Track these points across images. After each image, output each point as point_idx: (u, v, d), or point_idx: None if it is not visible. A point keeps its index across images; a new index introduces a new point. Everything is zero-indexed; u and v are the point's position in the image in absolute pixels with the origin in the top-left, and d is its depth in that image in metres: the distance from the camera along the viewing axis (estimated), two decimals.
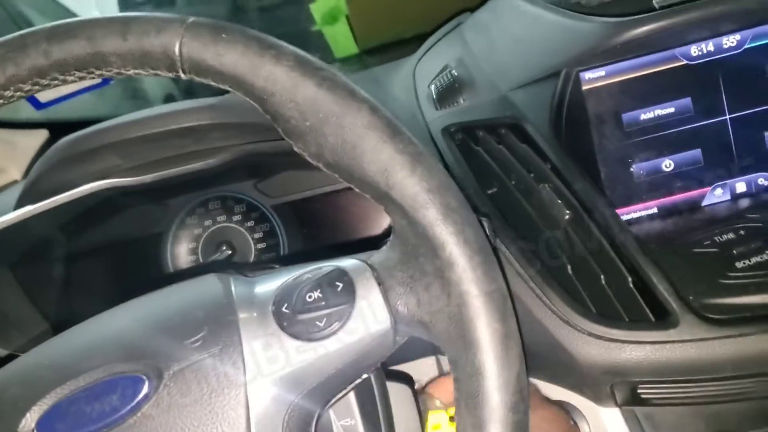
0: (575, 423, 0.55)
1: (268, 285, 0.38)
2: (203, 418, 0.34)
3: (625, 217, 0.57)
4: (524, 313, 0.51)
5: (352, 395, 0.43)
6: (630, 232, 0.52)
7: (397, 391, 0.48)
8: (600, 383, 0.52)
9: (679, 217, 0.57)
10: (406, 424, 0.48)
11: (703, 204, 0.58)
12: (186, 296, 0.39)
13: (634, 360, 0.49)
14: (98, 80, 0.39)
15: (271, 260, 0.72)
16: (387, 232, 0.38)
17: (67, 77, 0.36)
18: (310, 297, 0.36)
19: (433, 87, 0.64)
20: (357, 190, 0.36)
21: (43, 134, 0.84)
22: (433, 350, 0.65)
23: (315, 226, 0.73)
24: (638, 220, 0.57)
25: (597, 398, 0.53)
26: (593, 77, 0.56)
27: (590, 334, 0.49)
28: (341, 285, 0.36)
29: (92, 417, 0.35)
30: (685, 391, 0.50)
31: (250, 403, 0.35)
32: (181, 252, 0.73)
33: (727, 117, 0.56)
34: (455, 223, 0.33)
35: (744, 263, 0.50)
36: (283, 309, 0.36)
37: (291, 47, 0.35)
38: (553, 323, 0.50)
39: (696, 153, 0.57)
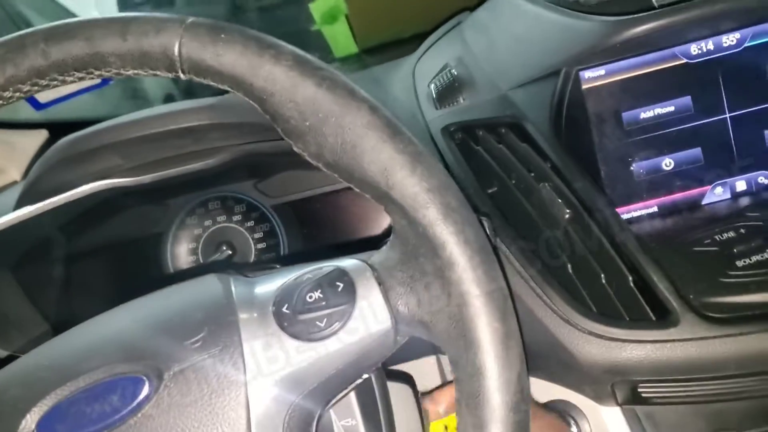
0: (577, 425, 0.55)
1: (269, 285, 0.38)
2: (204, 418, 0.34)
3: (625, 216, 0.57)
4: (525, 312, 0.51)
5: (352, 395, 0.43)
6: (630, 231, 0.52)
7: (398, 391, 0.48)
8: (601, 382, 0.52)
9: (680, 215, 0.57)
10: (407, 424, 0.48)
11: (704, 203, 0.57)
12: (186, 297, 0.39)
13: (635, 359, 0.49)
14: (97, 81, 0.39)
15: (272, 260, 0.72)
16: (387, 232, 0.37)
17: (66, 78, 0.36)
18: (310, 297, 0.36)
19: (432, 86, 0.64)
20: (357, 190, 0.36)
21: (42, 135, 0.84)
22: (434, 350, 0.65)
23: (315, 226, 0.73)
24: (638, 218, 0.57)
25: (598, 397, 0.53)
26: (593, 76, 0.56)
27: (591, 333, 0.49)
28: (342, 285, 0.36)
29: (92, 418, 0.35)
30: (685, 389, 0.50)
31: (250, 403, 0.35)
32: (181, 252, 0.73)
33: (727, 115, 0.56)
34: (455, 222, 0.33)
35: (744, 262, 0.50)
36: (284, 309, 0.36)
37: (290, 47, 0.35)
38: (553, 322, 0.50)
39: (696, 152, 0.57)
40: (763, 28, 0.55)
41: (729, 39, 0.56)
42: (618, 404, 0.53)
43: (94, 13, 1.04)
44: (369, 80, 0.73)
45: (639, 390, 0.51)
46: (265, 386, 0.35)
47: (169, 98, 1.02)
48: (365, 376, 0.41)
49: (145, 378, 0.35)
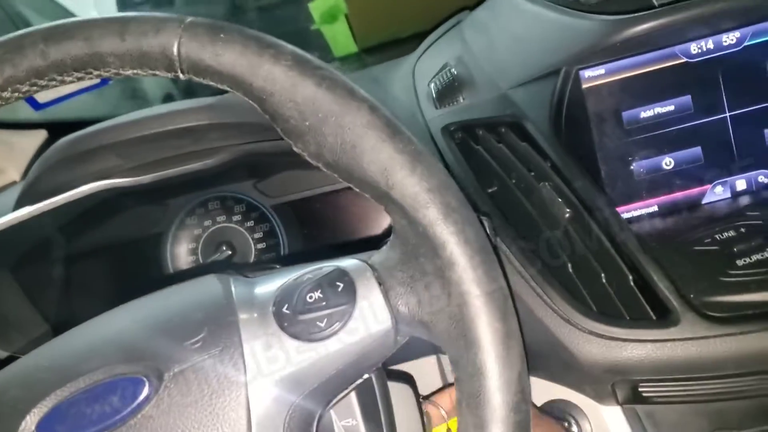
0: (578, 425, 0.55)
1: (269, 285, 0.38)
2: (204, 419, 0.34)
3: (625, 216, 0.57)
4: (525, 312, 0.51)
5: (353, 395, 0.43)
6: (630, 231, 0.52)
7: (398, 391, 0.48)
8: (601, 382, 0.52)
9: (680, 215, 0.57)
10: (408, 424, 0.48)
11: (704, 202, 0.57)
12: (186, 297, 0.39)
13: (635, 358, 0.48)
14: (96, 81, 0.39)
15: (271, 260, 0.72)
16: (387, 232, 0.37)
17: (66, 78, 0.36)
18: (310, 297, 0.36)
19: (432, 86, 0.64)
20: (357, 189, 0.36)
21: (41, 135, 0.84)
22: (434, 350, 0.65)
23: (315, 226, 0.73)
24: (638, 218, 0.57)
25: (598, 397, 0.53)
26: (593, 75, 0.56)
27: (591, 333, 0.49)
28: (342, 285, 0.36)
29: (92, 419, 0.35)
30: (686, 389, 0.50)
31: (250, 403, 0.35)
32: (181, 252, 0.73)
33: (727, 114, 0.56)
34: (456, 222, 0.33)
35: (745, 261, 0.50)
36: (284, 309, 0.36)
37: (290, 46, 0.35)
38: (554, 322, 0.50)
39: (696, 151, 0.57)
40: (763, 26, 0.55)
41: (729, 38, 0.56)
42: (618, 404, 0.52)
43: (93, 13, 1.04)
44: (368, 80, 0.73)
45: (639, 389, 0.51)
46: (266, 386, 0.35)
47: (168, 98, 1.02)
48: (366, 376, 0.41)
49: (145, 379, 0.35)
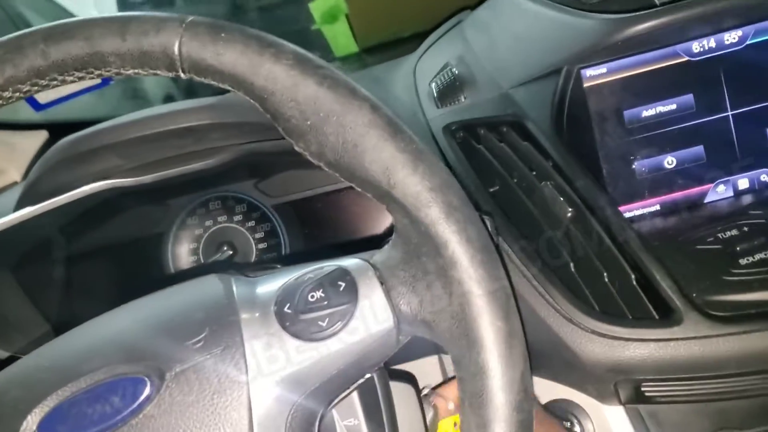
0: (580, 424, 0.55)
1: (270, 285, 0.38)
2: (206, 419, 0.34)
3: (627, 215, 0.56)
4: (527, 311, 0.51)
5: (355, 395, 0.43)
6: (632, 230, 0.52)
7: (400, 391, 0.48)
8: (604, 381, 0.51)
9: (682, 214, 0.57)
10: (410, 423, 0.48)
11: (706, 201, 0.57)
12: (187, 297, 0.39)
13: (638, 358, 0.48)
14: (98, 80, 0.39)
15: (273, 260, 0.72)
16: (389, 231, 0.37)
17: (66, 78, 0.36)
18: (312, 297, 0.36)
19: (433, 85, 0.64)
20: (358, 189, 0.35)
21: (42, 135, 0.84)
22: (436, 349, 0.65)
23: (316, 225, 0.73)
24: (641, 217, 0.57)
25: (601, 396, 0.53)
26: (594, 74, 0.56)
27: (593, 332, 0.49)
28: (343, 284, 0.36)
29: (94, 419, 0.35)
30: (688, 388, 0.50)
31: (252, 403, 0.34)
32: (182, 252, 0.73)
33: (729, 113, 0.56)
34: (458, 221, 0.33)
35: (747, 260, 0.50)
36: (285, 309, 0.36)
37: (291, 45, 0.35)
38: (556, 321, 0.50)
39: (698, 150, 0.57)
40: (766, 25, 0.55)
41: (731, 36, 0.55)
42: (621, 403, 0.52)
43: (93, 13, 1.04)
44: (369, 79, 0.73)
45: (642, 389, 0.51)
46: (267, 386, 0.35)
47: (169, 98, 1.02)
48: (368, 375, 0.40)
49: (146, 378, 0.35)
